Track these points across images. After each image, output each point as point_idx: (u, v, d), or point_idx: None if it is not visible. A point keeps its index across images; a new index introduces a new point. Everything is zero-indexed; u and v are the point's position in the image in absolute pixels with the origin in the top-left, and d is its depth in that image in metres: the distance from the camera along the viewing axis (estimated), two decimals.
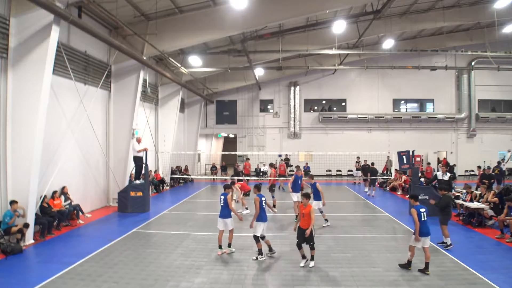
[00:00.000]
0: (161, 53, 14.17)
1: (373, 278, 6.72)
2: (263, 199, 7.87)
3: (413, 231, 7.13)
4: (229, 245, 8.19)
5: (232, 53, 18.51)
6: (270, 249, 7.93)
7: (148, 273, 6.97)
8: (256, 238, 7.73)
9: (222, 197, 8.10)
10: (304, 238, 7.17)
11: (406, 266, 7.10)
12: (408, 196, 7.57)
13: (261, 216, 7.74)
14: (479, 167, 19.90)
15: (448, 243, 8.45)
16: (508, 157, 22.37)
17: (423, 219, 6.98)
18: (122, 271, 7.02)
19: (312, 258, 7.32)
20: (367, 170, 18.16)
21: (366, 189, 17.92)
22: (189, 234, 9.88)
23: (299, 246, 7.30)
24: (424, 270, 6.89)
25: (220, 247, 8.11)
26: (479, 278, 6.70)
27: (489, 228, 10.40)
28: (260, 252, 7.74)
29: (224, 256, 7.99)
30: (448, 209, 8.55)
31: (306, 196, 7.48)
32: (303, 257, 7.31)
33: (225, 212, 8.05)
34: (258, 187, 8.25)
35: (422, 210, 7.10)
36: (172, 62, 16.71)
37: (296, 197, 11.73)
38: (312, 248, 7.25)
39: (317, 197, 10.59)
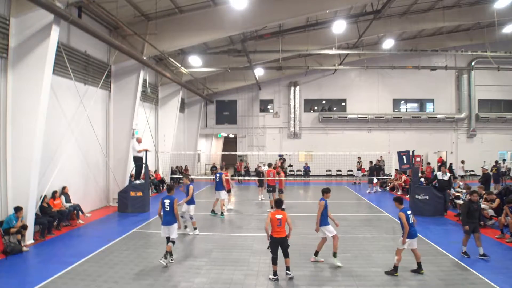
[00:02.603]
0: (161, 53, 14.17)
1: (373, 278, 6.72)
2: (166, 201, 7.42)
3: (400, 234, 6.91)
4: (334, 254, 7.40)
5: (232, 53, 18.49)
6: (165, 256, 7.36)
7: (148, 273, 6.96)
8: (167, 239, 7.46)
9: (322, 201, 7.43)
10: (282, 248, 6.63)
11: (393, 272, 6.80)
12: (394, 199, 7.38)
13: (163, 219, 7.45)
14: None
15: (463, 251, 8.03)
16: None
17: (410, 222, 6.83)
18: (122, 271, 7.02)
19: (288, 269, 6.72)
20: (377, 169, 18.68)
21: (369, 190, 18.19)
22: (189, 234, 9.87)
23: (275, 261, 6.60)
24: (418, 270, 6.86)
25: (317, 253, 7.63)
26: (479, 278, 6.70)
27: (489, 228, 10.40)
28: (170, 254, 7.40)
29: (224, 256, 7.99)
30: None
31: (279, 203, 7.01)
32: (276, 273, 6.60)
33: (323, 219, 7.47)
34: (168, 188, 7.87)
35: (409, 212, 6.94)
36: (172, 62, 16.71)
37: (222, 194, 12.20)
38: (287, 256, 6.70)
39: (191, 200, 9.82)
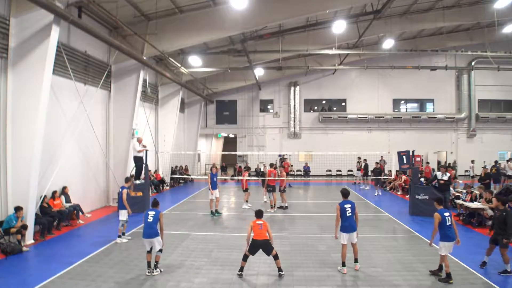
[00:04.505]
0: (161, 53, 14.17)
1: (373, 278, 6.72)
2: (150, 213, 6.99)
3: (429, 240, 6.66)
4: (356, 260, 7.19)
5: (232, 53, 18.51)
6: (148, 266, 6.91)
7: None
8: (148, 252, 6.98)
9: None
10: (260, 250, 6.73)
11: (447, 280, 6.41)
12: (434, 199, 7.16)
13: (144, 232, 6.97)
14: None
15: (508, 270, 6.87)
16: None
17: (448, 224, 6.54)
18: (122, 271, 7.02)
19: (280, 269, 6.77)
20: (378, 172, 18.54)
21: (376, 192, 17.77)
22: (189, 234, 9.88)
23: (246, 258, 6.79)
24: (436, 272, 6.73)
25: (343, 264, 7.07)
26: (479, 278, 6.70)
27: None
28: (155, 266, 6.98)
29: (224, 256, 7.98)
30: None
31: (259, 214, 6.93)
32: (242, 269, 6.78)
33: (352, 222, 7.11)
34: (154, 203, 7.37)
35: (447, 214, 6.58)
36: (172, 62, 16.71)
37: (213, 194, 12.36)
38: (276, 258, 6.76)
39: (122, 206, 9.35)
